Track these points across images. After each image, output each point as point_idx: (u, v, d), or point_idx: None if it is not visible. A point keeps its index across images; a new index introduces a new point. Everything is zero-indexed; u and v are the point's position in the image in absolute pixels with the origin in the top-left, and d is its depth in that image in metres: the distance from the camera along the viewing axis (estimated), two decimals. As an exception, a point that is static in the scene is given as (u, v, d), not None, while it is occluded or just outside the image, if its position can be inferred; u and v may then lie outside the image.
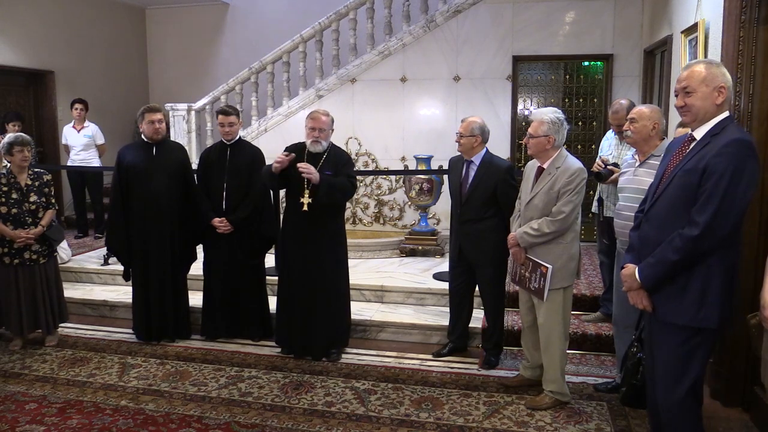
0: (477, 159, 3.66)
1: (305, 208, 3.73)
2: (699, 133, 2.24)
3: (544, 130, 3.11)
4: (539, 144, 3.14)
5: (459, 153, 3.75)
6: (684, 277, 2.19)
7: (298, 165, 3.67)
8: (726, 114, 2.22)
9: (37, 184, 4.12)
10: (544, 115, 3.14)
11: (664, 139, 3.07)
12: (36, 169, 4.21)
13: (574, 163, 3.15)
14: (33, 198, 4.08)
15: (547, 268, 3.11)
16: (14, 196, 4.03)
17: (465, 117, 3.74)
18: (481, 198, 3.61)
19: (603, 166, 3.78)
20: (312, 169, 3.67)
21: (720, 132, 2.17)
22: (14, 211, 4.00)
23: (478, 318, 4.06)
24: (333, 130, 3.91)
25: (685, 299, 2.19)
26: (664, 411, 2.31)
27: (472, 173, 3.66)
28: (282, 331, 4.01)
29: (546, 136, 3.11)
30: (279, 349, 4.05)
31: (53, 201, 4.22)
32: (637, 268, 2.31)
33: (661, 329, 2.31)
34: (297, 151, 3.88)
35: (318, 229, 3.80)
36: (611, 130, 4.10)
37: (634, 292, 2.35)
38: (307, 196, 3.74)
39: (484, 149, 3.68)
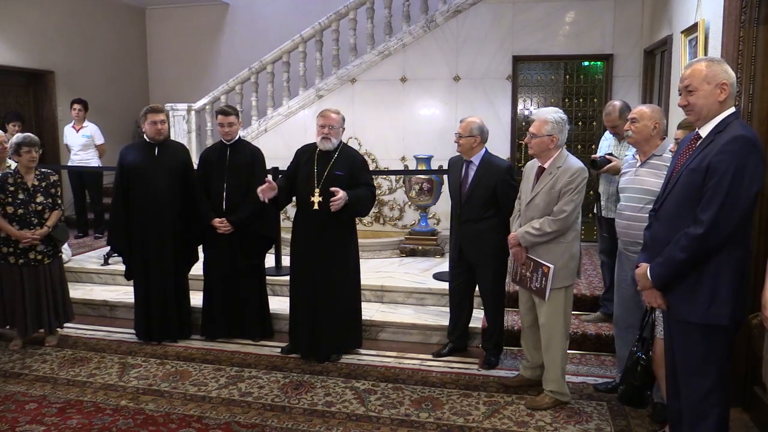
0: (476, 159, 3.66)
1: (316, 207, 3.73)
2: (704, 131, 2.25)
3: (548, 130, 3.12)
4: (542, 143, 3.14)
5: (458, 153, 3.75)
6: (695, 275, 2.20)
7: (331, 202, 3.61)
8: (731, 110, 2.22)
9: (44, 184, 4.12)
10: (548, 114, 3.15)
11: (665, 138, 3.07)
12: (43, 170, 4.20)
13: (575, 162, 3.15)
14: (39, 199, 4.08)
15: (549, 267, 3.11)
16: (21, 196, 4.02)
17: (464, 117, 3.74)
18: (480, 198, 3.61)
19: (598, 157, 3.82)
20: (340, 200, 3.61)
21: (724, 129, 2.17)
22: (20, 211, 4.00)
23: (478, 318, 4.06)
24: (344, 129, 3.91)
25: (696, 297, 2.20)
26: (685, 409, 2.31)
27: (471, 173, 3.66)
28: (291, 330, 4.02)
29: (549, 135, 3.12)
30: (279, 349, 4.05)
31: (60, 202, 4.22)
32: (648, 268, 2.31)
33: (678, 328, 2.31)
34: (308, 152, 3.88)
35: (328, 229, 3.78)
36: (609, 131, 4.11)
37: (647, 291, 2.36)
38: (317, 194, 3.74)
39: (484, 149, 3.68)
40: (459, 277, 3.83)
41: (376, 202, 6.47)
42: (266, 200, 3.77)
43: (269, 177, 3.82)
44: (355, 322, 4.04)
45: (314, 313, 3.85)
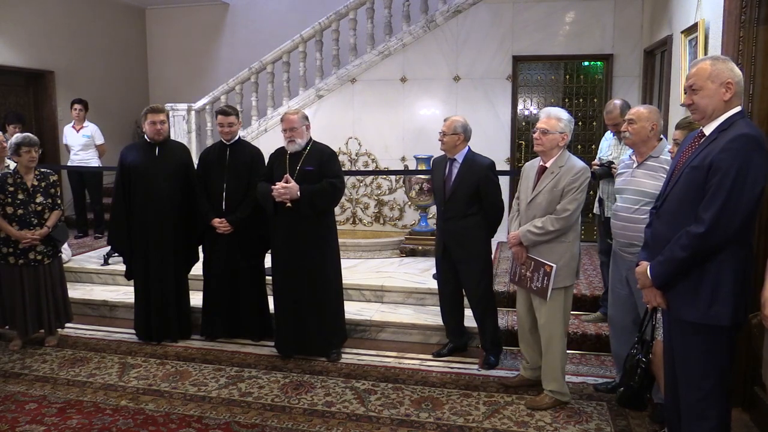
0: (460, 157, 3.71)
1: (289, 204, 3.74)
2: (708, 129, 2.23)
3: (561, 127, 3.14)
4: (554, 140, 3.15)
5: (443, 152, 3.80)
6: (696, 274, 2.18)
7: (274, 191, 3.70)
8: (737, 109, 2.19)
9: (43, 185, 4.12)
10: (561, 113, 3.19)
11: (662, 139, 3.05)
12: (42, 170, 4.20)
13: (578, 162, 3.17)
14: (39, 199, 4.07)
15: (551, 267, 3.11)
16: (20, 196, 4.02)
17: (448, 116, 3.80)
18: (464, 195, 3.65)
19: (599, 165, 3.83)
20: (288, 192, 3.68)
21: (728, 128, 2.15)
22: (20, 211, 4.00)
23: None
24: (308, 126, 3.90)
25: (696, 296, 2.18)
26: (685, 409, 2.30)
27: (455, 171, 3.71)
28: (277, 328, 4.03)
29: (562, 133, 3.14)
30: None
31: (59, 202, 4.22)
32: (648, 266, 2.30)
33: (678, 328, 2.30)
34: (279, 155, 3.92)
35: (304, 226, 3.80)
36: (610, 131, 4.12)
37: (647, 289, 2.35)
38: None
39: (467, 147, 3.73)
40: (446, 274, 3.85)
41: (375, 202, 6.61)
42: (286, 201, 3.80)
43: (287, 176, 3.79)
44: (339, 317, 4.03)
45: (296, 308, 3.87)
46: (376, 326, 4.34)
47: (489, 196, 3.64)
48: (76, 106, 6.58)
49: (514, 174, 5.35)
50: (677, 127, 2.96)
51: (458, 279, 3.81)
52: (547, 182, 3.16)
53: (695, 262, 2.16)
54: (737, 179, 2.06)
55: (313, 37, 6.74)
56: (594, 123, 6.44)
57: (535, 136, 3.22)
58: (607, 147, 4.08)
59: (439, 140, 3.74)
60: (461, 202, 3.66)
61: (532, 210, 3.22)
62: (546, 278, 3.13)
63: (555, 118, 3.15)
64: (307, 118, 3.91)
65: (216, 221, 4.08)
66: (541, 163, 3.24)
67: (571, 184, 3.10)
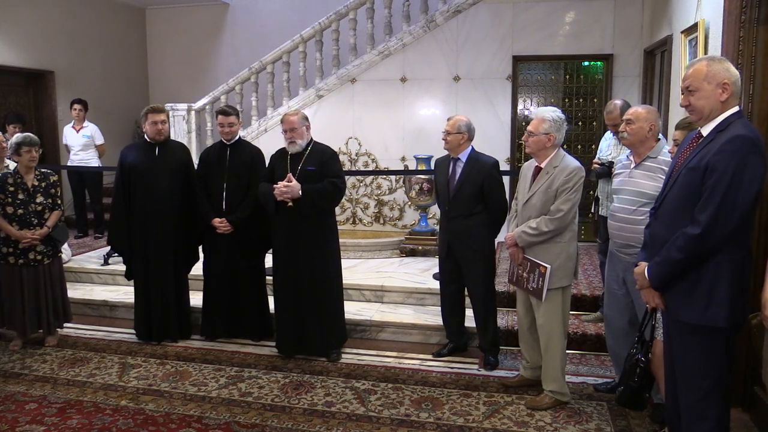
0: (464, 156, 3.71)
1: (290, 204, 3.75)
2: (705, 130, 2.22)
3: (545, 128, 3.13)
4: (539, 142, 3.15)
5: (446, 151, 3.80)
6: (693, 275, 2.18)
7: (275, 190, 3.72)
8: (734, 110, 2.19)
9: (43, 185, 4.12)
10: (546, 113, 3.16)
11: (660, 140, 3.04)
12: (43, 170, 4.20)
13: (572, 162, 3.16)
14: (39, 199, 4.08)
15: (545, 267, 3.11)
16: (20, 196, 4.02)
17: (451, 116, 3.81)
18: (469, 194, 3.65)
19: (599, 164, 3.83)
20: (290, 191, 3.69)
21: (725, 128, 2.14)
22: (20, 211, 4.00)
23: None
24: (308, 126, 3.90)
25: (693, 297, 2.18)
26: (684, 410, 2.30)
27: (459, 170, 3.71)
28: (278, 328, 4.03)
29: (546, 134, 3.13)
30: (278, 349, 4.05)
31: (59, 202, 4.22)
32: (646, 267, 2.31)
33: (676, 329, 2.30)
34: (281, 156, 3.93)
35: (305, 226, 3.81)
36: (610, 131, 4.12)
37: (645, 290, 2.35)
38: None
39: (470, 147, 3.74)
40: (449, 274, 3.84)
41: (375, 202, 6.61)
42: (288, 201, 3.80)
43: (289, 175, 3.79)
44: (339, 318, 4.03)
45: (296, 309, 3.87)
46: (376, 326, 4.34)
47: (493, 195, 3.64)
48: (76, 106, 6.58)
49: (514, 174, 5.35)
50: (677, 127, 2.95)
51: (461, 279, 3.81)
52: (542, 183, 3.16)
53: (692, 264, 2.16)
54: (733, 181, 2.05)
55: (313, 37, 6.74)
56: (594, 123, 6.45)
57: (524, 137, 3.24)
58: (607, 147, 4.08)
59: (443, 139, 3.73)
60: (466, 201, 3.66)
61: (527, 211, 3.22)
62: (541, 279, 3.13)
63: (539, 120, 3.15)
64: (307, 118, 3.91)
65: (216, 221, 4.08)
66: (537, 164, 3.24)
67: (565, 184, 3.10)
